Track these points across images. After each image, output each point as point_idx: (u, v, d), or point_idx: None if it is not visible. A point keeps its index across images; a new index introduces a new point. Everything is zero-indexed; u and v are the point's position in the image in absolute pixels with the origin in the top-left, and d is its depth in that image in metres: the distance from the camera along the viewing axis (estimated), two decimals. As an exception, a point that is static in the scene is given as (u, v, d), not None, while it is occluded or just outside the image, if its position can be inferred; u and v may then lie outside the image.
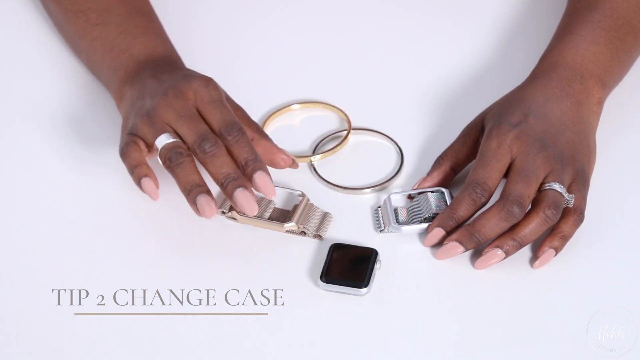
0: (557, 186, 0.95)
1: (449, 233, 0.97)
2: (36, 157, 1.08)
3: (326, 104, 1.12)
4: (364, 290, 0.95)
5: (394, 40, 1.21)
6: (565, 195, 0.96)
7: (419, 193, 1.02)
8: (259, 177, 0.96)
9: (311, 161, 1.07)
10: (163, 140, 0.96)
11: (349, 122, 1.10)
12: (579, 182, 0.97)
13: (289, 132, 1.11)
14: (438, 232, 0.97)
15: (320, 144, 1.09)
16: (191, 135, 0.96)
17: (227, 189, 0.95)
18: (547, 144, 0.97)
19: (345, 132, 1.09)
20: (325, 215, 1.00)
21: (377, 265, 0.96)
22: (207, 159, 0.95)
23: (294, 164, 1.02)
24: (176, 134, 0.97)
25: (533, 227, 0.95)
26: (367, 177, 1.05)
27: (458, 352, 0.92)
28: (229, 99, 1.02)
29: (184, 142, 0.97)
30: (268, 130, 1.10)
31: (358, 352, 0.92)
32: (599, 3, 1.07)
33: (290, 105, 1.12)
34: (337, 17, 1.23)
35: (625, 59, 1.07)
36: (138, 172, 0.96)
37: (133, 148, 0.97)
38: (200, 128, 0.96)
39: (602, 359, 0.91)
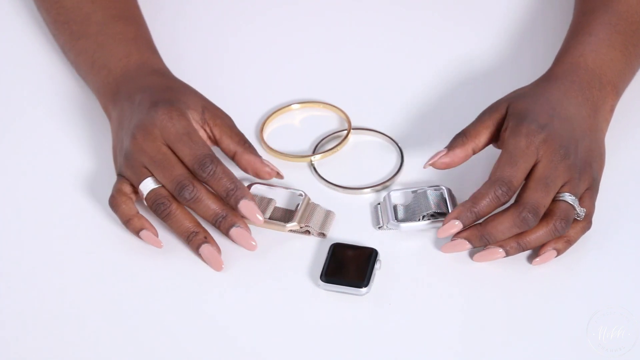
0: (570, 199, 0.95)
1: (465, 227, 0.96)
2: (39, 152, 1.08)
3: (326, 104, 1.12)
4: (363, 290, 0.95)
5: (395, 40, 1.20)
6: (577, 208, 0.96)
7: (419, 190, 1.02)
8: (242, 206, 0.96)
9: (311, 161, 1.07)
10: (146, 187, 0.97)
11: (349, 122, 1.10)
12: (592, 189, 0.98)
13: (289, 132, 1.11)
14: (455, 225, 0.96)
15: (320, 144, 1.09)
16: (168, 183, 0.97)
17: (221, 228, 0.97)
18: (570, 151, 0.96)
19: (345, 132, 1.09)
20: (327, 213, 1.00)
21: (377, 265, 0.96)
22: (190, 205, 0.97)
23: (278, 175, 1.02)
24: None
25: (539, 236, 0.95)
26: (367, 177, 1.05)
27: (458, 351, 0.92)
28: (208, 108, 1.01)
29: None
30: (268, 130, 1.10)
31: (358, 352, 0.92)
32: (614, 3, 1.07)
33: (290, 105, 1.12)
34: (337, 16, 1.23)
35: (636, 65, 1.06)
36: (133, 226, 0.97)
37: (121, 200, 0.98)
38: (174, 174, 0.96)
39: (602, 359, 0.91)
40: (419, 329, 0.93)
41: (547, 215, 0.96)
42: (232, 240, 0.97)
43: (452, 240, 0.97)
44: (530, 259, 0.97)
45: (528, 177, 0.96)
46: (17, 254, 0.99)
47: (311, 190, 1.03)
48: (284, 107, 1.12)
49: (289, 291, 0.95)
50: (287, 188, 1.03)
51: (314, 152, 1.08)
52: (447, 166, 1.00)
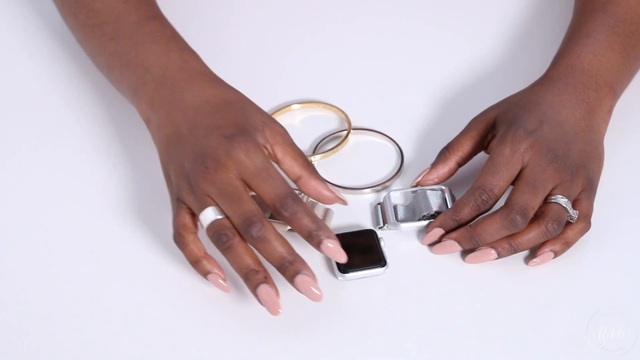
0: (563, 200, 0.96)
1: (448, 232, 0.98)
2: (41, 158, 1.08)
3: (326, 104, 1.12)
4: (383, 269, 0.95)
5: (394, 40, 1.21)
6: (570, 211, 0.96)
7: (419, 190, 1.02)
8: (324, 247, 0.92)
9: (311, 161, 1.07)
10: (207, 218, 0.92)
11: (349, 122, 1.10)
12: (589, 190, 0.98)
13: (289, 132, 1.10)
14: (437, 232, 0.98)
15: (320, 144, 1.09)
16: (235, 217, 0.91)
17: (285, 274, 0.91)
18: (559, 154, 0.97)
19: (345, 132, 1.09)
20: (327, 211, 1.00)
21: (382, 243, 0.97)
22: (256, 244, 0.91)
23: (342, 202, 0.97)
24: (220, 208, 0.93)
25: (531, 237, 0.96)
26: (367, 177, 1.06)
27: (458, 351, 0.92)
28: (268, 125, 0.96)
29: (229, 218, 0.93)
30: (268, 130, 1.10)
31: (358, 352, 0.92)
32: (613, 5, 1.07)
33: (290, 105, 1.12)
34: (337, 17, 1.23)
35: (635, 67, 1.06)
36: (202, 269, 0.93)
37: (188, 238, 0.94)
38: (244, 208, 0.91)
39: (602, 359, 0.91)
40: (419, 329, 0.93)
41: (539, 217, 0.96)
42: (296, 289, 0.91)
43: (442, 241, 0.97)
44: (528, 259, 0.97)
45: (516, 180, 0.97)
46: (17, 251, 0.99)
47: (311, 189, 1.03)
48: (284, 107, 1.12)
49: (288, 291, 0.95)
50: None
51: (314, 152, 1.08)
52: (434, 182, 1.02)
